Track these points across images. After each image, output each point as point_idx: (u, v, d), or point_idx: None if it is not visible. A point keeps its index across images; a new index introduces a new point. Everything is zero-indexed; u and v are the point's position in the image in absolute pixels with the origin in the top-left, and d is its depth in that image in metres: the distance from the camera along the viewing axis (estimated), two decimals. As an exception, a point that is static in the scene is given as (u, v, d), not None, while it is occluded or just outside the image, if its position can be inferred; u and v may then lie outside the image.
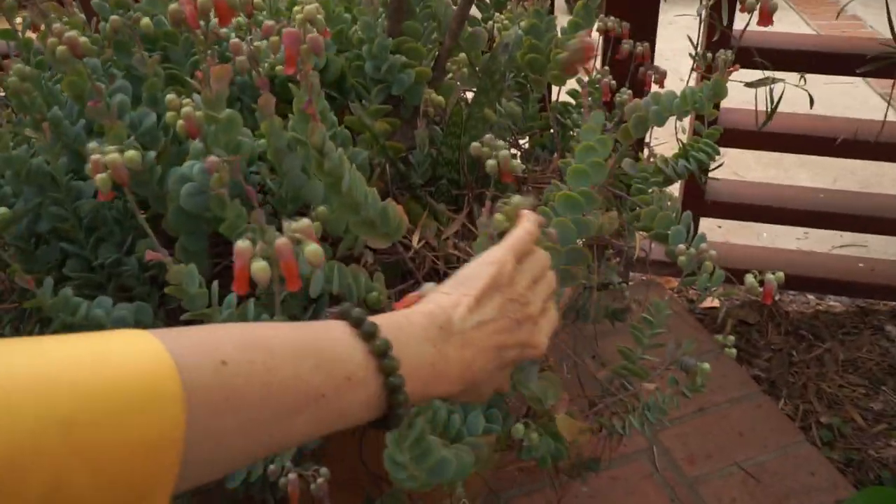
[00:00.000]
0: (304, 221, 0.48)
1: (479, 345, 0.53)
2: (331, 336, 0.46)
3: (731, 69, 0.83)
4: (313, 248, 0.47)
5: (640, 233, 0.93)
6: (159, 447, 0.35)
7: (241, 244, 0.46)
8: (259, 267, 0.46)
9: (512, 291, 0.56)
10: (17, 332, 0.83)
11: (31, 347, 0.35)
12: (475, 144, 0.72)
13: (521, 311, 0.56)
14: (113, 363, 0.35)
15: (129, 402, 0.35)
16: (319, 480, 0.54)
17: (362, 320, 0.47)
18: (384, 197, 0.65)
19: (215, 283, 0.65)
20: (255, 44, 0.61)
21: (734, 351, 0.83)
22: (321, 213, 0.68)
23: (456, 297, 0.54)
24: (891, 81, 1.24)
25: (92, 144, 0.57)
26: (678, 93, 0.81)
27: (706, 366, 0.80)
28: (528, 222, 0.59)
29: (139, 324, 0.68)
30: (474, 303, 0.53)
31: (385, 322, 0.48)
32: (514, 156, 0.75)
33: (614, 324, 1.10)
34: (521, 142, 1.02)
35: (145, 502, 0.35)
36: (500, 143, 0.71)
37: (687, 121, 1.43)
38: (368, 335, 0.47)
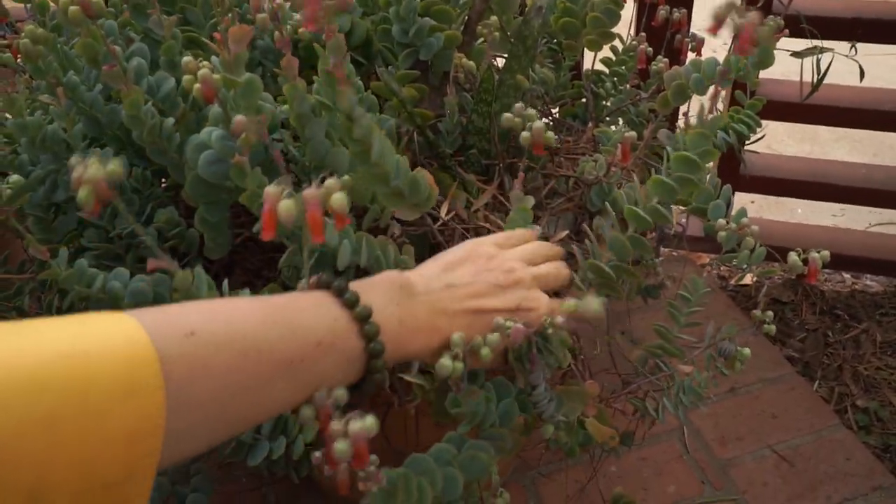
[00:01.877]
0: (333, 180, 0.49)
1: (451, 307, 0.54)
2: (298, 305, 0.48)
3: (779, 36, 0.78)
4: (339, 196, 0.48)
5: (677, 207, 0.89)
6: (140, 435, 0.35)
7: (271, 188, 0.46)
8: (286, 205, 0.45)
9: (488, 262, 0.57)
10: (38, 302, 0.82)
11: (5, 339, 0.34)
12: (507, 116, 0.69)
13: (504, 277, 0.56)
14: (93, 352, 0.35)
15: (111, 393, 0.34)
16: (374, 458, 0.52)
17: (344, 289, 0.50)
18: (412, 167, 0.62)
19: (226, 282, 0.62)
20: (278, 1, 0.58)
21: (773, 328, 0.80)
22: (345, 181, 0.65)
23: (423, 267, 0.56)
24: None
25: (74, 158, 0.54)
26: (720, 60, 0.77)
27: (746, 351, 0.76)
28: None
29: (158, 296, 0.66)
30: (441, 269, 0.55)
31: (351, 287, 0.51)
32: (546, 126, 0.71)
33: (647, 300, 1.06)
34: (553, 111, 0.98)
35: (126, 487, 0.35)
36: (533, 112, 0.67)
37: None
38: (351, 303, 0.49)
